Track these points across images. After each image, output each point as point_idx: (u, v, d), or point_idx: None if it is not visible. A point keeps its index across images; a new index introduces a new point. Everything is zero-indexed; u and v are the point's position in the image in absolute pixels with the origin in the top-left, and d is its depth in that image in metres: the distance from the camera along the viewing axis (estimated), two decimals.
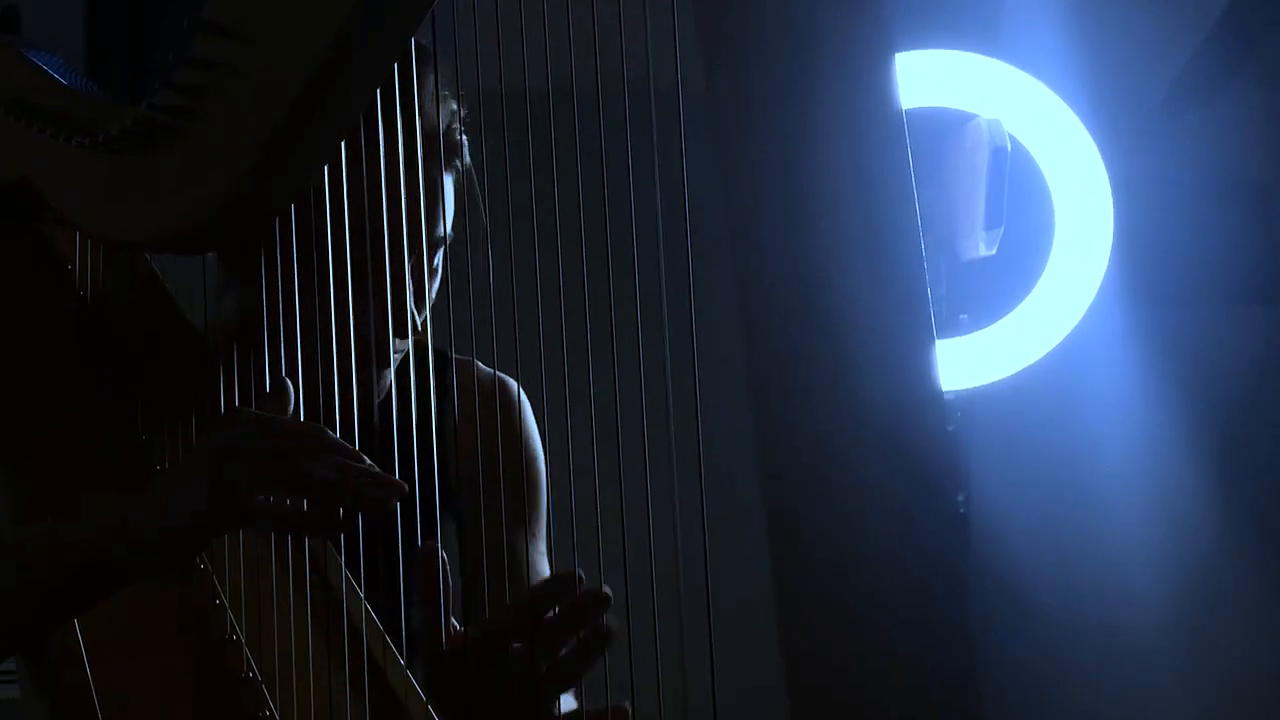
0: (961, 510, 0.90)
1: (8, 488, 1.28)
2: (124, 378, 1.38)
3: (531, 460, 1.48)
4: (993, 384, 2.48)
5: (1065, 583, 2.56)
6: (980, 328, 2.48)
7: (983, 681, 0.96)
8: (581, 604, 1.22)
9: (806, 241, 0.97)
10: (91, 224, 1.32)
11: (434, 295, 1.41)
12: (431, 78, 1.35)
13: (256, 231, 1.28)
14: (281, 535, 1.25)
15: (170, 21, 2.66)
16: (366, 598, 1.30)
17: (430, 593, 1.23)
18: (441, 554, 1.24)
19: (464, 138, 1.41)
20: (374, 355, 1.34)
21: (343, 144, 1.22)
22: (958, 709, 0.94)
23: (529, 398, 1.44)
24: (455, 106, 1.40)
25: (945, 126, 2.48)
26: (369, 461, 1.17)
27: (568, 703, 1.29)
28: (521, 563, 1.45)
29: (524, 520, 1.45)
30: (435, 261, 1.40)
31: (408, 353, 1.40)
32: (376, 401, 1.39)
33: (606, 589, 1.21)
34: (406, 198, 1.26)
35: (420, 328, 1.39)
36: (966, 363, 2.46)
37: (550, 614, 1.23)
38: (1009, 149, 2.40)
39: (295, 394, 1.24)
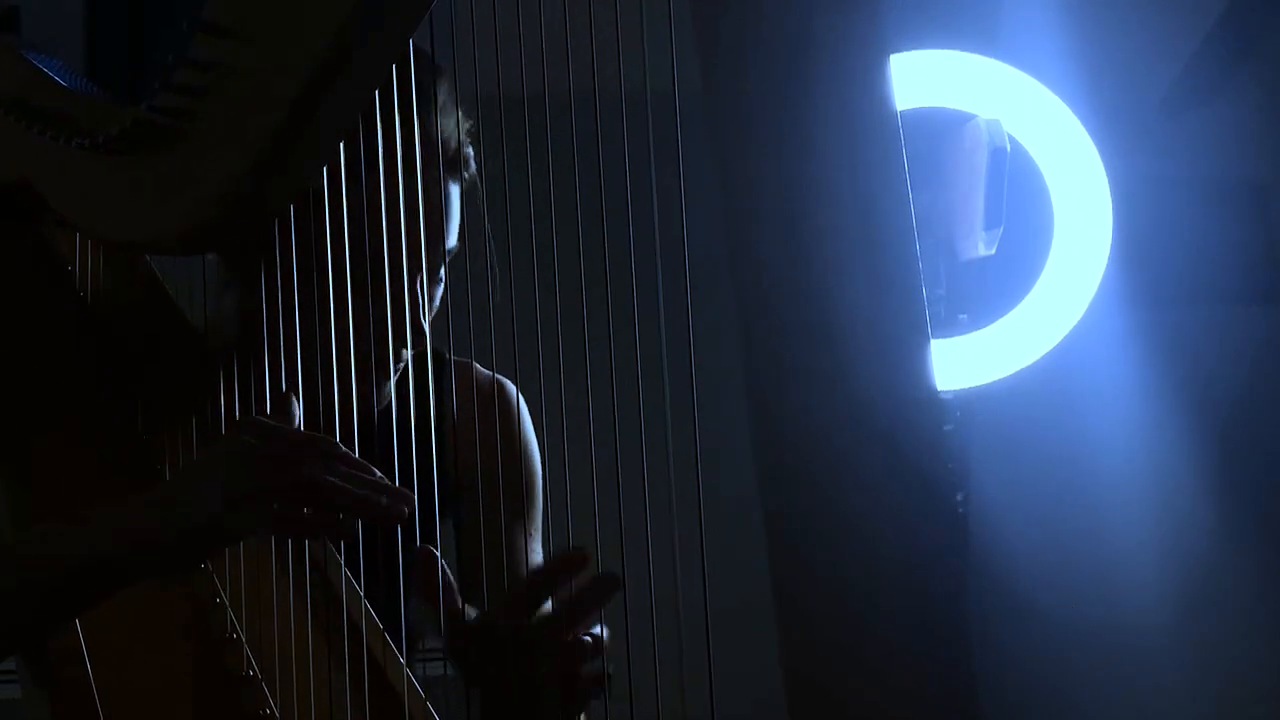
0: (960, 510, 0.91)
1: (8, 489, 1.29)
2: (124, 378, 1.38)
3: (529, 460, 1.49)
4: (992, 384, 2.48)
5: (1064, 583, 2.56)
6: (979, 327, 2.48)
7: (981, 681, 0.96)
8: (578, 595, 1.22)
9: (803, 244, 0.97)
10: (91, 225, 1.32)
11: (437, 303, 1.41)
12: (440, 88, 1.35)
13: (256, 232, 1.29)
14: (288, 540, 1.26)
15: (170, 22, 2.66)
16: (366, 597, 1.31)
17: (430, 593, 1.24)
18: (440, 559, 1.24)
19: (471, 149, 1.41)
20: (374, 367, 1.34)
21: (346, 151, 1.22)
22: (957, 709, 0.94)
23: (529, 402, 1.44)
24: (462, 118, 1.41)
25: (944, 127, 2.48)
26: (378, 473, 1.17)
27: None
28: (520, 562, 1.45)
29: (521, 519, 1.46)
30: (440, 271, 1.40)
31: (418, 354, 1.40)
32: (378, 409, 1.39)
33: (614, 574, 1.21)
34: (409, 208, 1.26)
35: (422, 337, 1.39)
36: (965, 363, 2.46)
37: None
38: (1008, 149, 2.40)
39: (299, 406, 1.24)
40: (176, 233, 1.26)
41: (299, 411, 1.23)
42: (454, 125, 1.38)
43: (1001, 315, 2.48)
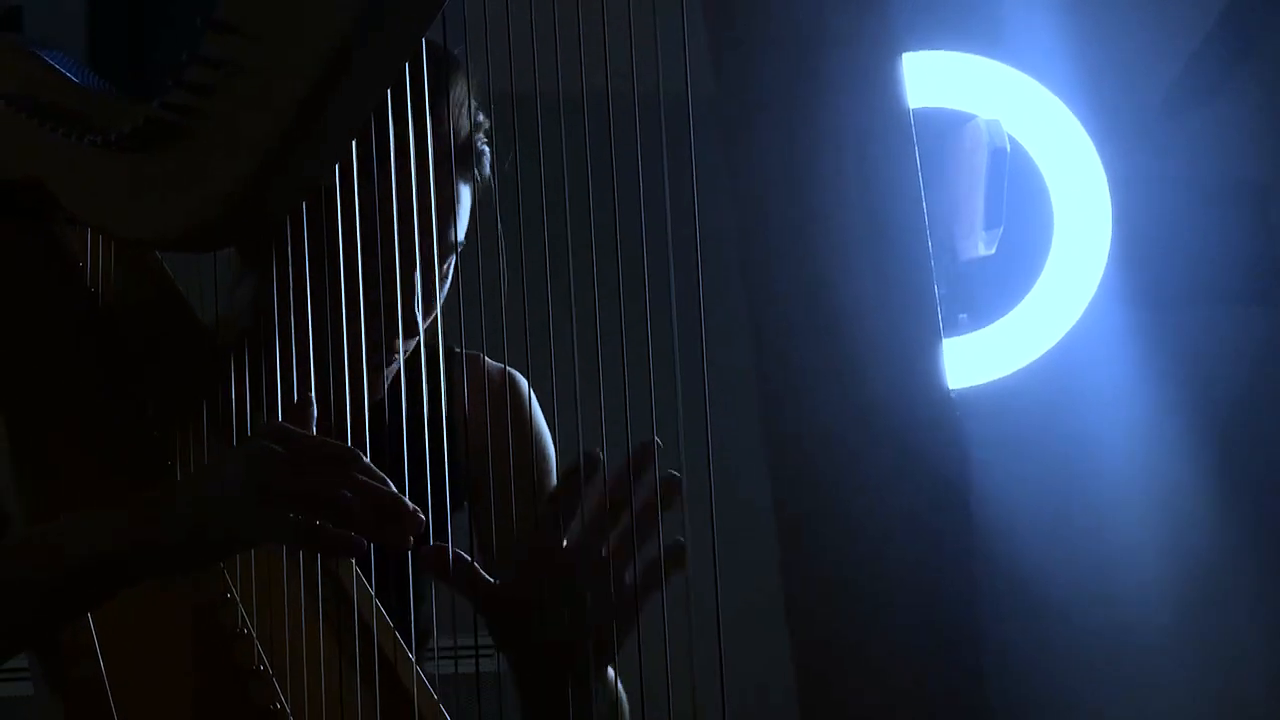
0: (970, 510, 0.91)
1: (22, 485, 1.29)
2: (134, 375, 1.38)
3: (541, 450, 1.50)
4: (991, 383, 2.49)
5: (1064, 582, 2.56)
6: (979, 327, 2.49)
7: (989, 679, 0.97)
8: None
9: (814, 242, 0.97)
10: (103, 222, 1.32)
11: (442, 299, 1.42)
12: (457, 85, 1.36)
13: (267, 229, 1.29)
14: (303, 551, 1.26)
15: (170, 22, 2.66)
16: (376, 592, 1.31)
17: (444, 573, 1.23)
18: (450, 548, 1.24)
19: (486, 149, 1.41)
20: (363, 355, 1.35)
21: (356, 144, 1.22)
22: (965, 707, 0.95)
23: (542, 399, 1.45)
24: (480, 116, 1.41)
25: (945, 127, 2.49)
26: (393, 486, 1.17)
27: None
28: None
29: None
30: (446, 267, 1.41)
31: (417, 349, 1.41)
32: (370, 402, 1.39)
33: (676, 474, 1.20)
34: (418, 201, 1.26)
35: (422, 329, 1.40)
36: (965, 362, 2.46)
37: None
38: (1008, 149, 2.41)
39: (315, 409, 1.24)
40: (187, 230, 1.25)
41: (315, 413, 1.23)
42: (465, 119, 1.38)
43: (1001, 315, 2.49)
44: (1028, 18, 2.56)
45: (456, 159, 1.35)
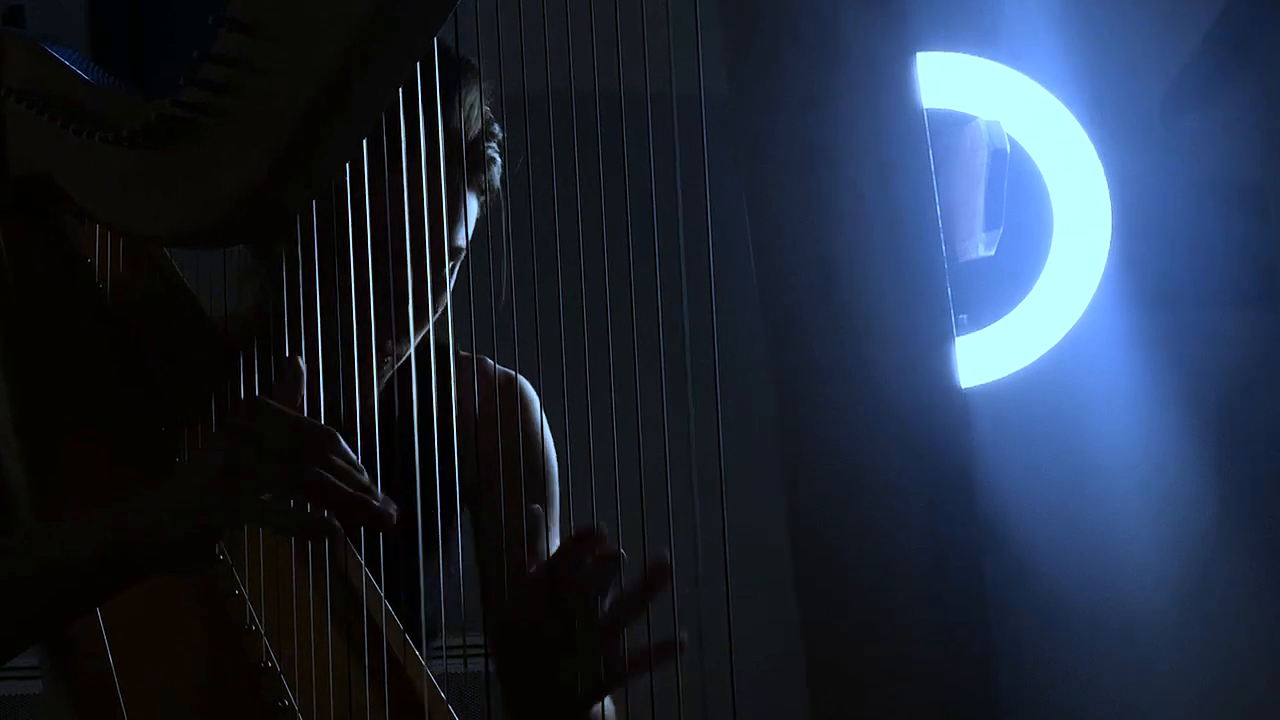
0: (977, 504, 0.93)
1: (30, 479, 1.29)
2: (143, 370, 1.38)
3: (540, 457, 1.50)
4: (991, 384, 2.49)
5: (1063, 581, 2.57)
6: (979, 328, 2.49)
7: (996, 668, 0.98)
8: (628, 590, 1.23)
9: (829, 241, 0.98)
10: (113, 218, 1.33)
11: (443, 304, 1.41)
12: (470, 89, 1.36)
13: (276, 227, 1.29)
14: (306, 546, 1.26)
15: (171, 20, 2.66)
16: (377, 586, 1.32)
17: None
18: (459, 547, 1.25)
19: (498, 157, 1.41)
20: (355, 353, 1.35)
21: (365, 144, 1.23)
22: (975, 691, 0.96)
23: (550, 396, 1.45)
24: (494, 126, 1.41)
25: (945, 128, 2.49)
26: (366, 476, 1.17)
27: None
28: (541, 551, 1.46)
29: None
30: (450, 269, 1.41)
31: (418, 349, 1.41)
32: (361, 405, 1.40)
33: (664, 560, 1.20)
34: (411, 201, 1.26)
35: (416, 334, 1.40)
36: (965, 363, 2.46)
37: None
38: (1008, 151, 2.42)
39: (304, 372, 1.24)
40: (198, 227, 1.26)
41: (304, 390, 1.23)
42: (474, 122, 1.39)
43: (1001, 316, 2.50)
44: (1028, 19, 2.56)
45: (464, 162, 1.35)
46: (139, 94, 1.35)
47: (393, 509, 1.17)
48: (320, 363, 1.28)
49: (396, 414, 1.36)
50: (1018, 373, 2.50)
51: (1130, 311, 2.56)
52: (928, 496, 0.96)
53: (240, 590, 1.31)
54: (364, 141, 1.23)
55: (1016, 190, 2.44)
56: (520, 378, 1.53)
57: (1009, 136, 2.43)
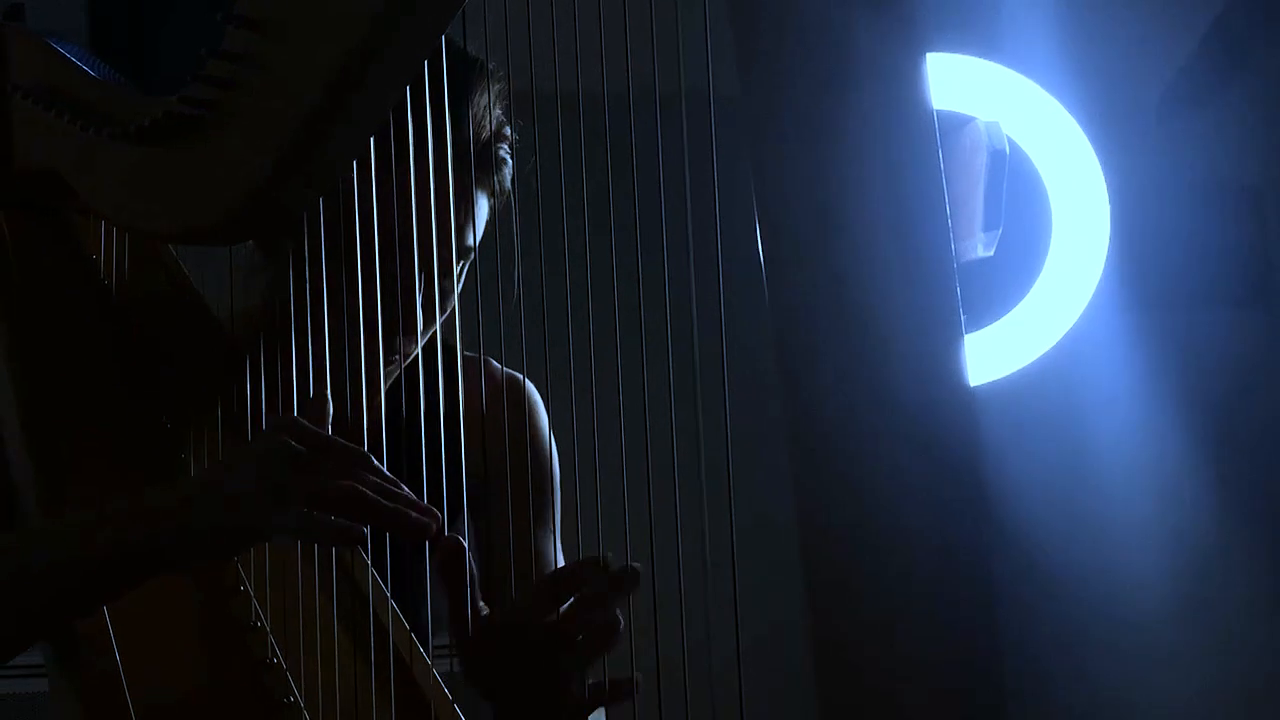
0: (987, 500, 0.93)
1: (36, 476, 1.29)
2: (148, 367, 1.39)
3: (542, 460, 1.51)
4: (990, 384, 2.50)
5: (1061, 580, 2.58)
6: (978, 328, 2.50)
7: (1006, 665, 0.98)
8: (598, 589, 1.23)
9: (838, 240, 0.98)
10: (118, 214, 1.32)
11: (451, 304, 1.42)
12: (481, 90, 1.36)
13: (284, 224, 1.29)
14: (313, 546, 1.26)
15: (170, 18, 2.66)
16: (383, 585, 1.32)
17: (452, 581, 1.24)
18: (465, 545, 1.25)
19: (508, 159, 1.42)
20: (363, 352, 1.35)
21: (375, 143, 1.23)
22: (985, 687, 0.96)
23: (557, 396, 1.45)
24: (506, 128, 1.41)
25: (944, 129, 2.49)
26: (406, 489, 1.18)
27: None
28: (540, 553, 1.46)
29: (539, 509, 1.47)
30: (459, 269, 1.41)
31: (429, 348, 1.41)
32: (368, 405, 1.39)
33: (636, 565, 1.21)
34: (422, 202, 1.27)
35: (423, 334, 1.40)
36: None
37: (572, 597, 1.24)
38: (1007, 151, 2.42)
39: (330, 406, 1.24)
40: (205, 224, 1.26)
41: (330, 410, 1.23)
42: (486, 122, 1.39)
43: (1000, 316, 2.51)
44: (1027, 21, 2.57)
45: (475, 163, 1.35)
46: (141, 90, 1.35)
47: (433, 520, 1.17)
48: (327, 360, 1.28)
49: (404, 414, 1.36)
50: (1016, 373, 2.50)
51: (1128, 312, 2.57)
52: (937, 494, 0.96)
53: (245, 586, 1.31)
54: (373, 140, 1.23)
55: (1015, 191, 2.44)
56: (525, 379, 1.54)
57: (1008, 137, 2.43)
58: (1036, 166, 2.52)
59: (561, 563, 1.46)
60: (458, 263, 1.41)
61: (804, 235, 0.98)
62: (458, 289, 1.41)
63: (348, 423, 1.27)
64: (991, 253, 2.44)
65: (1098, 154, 2.52)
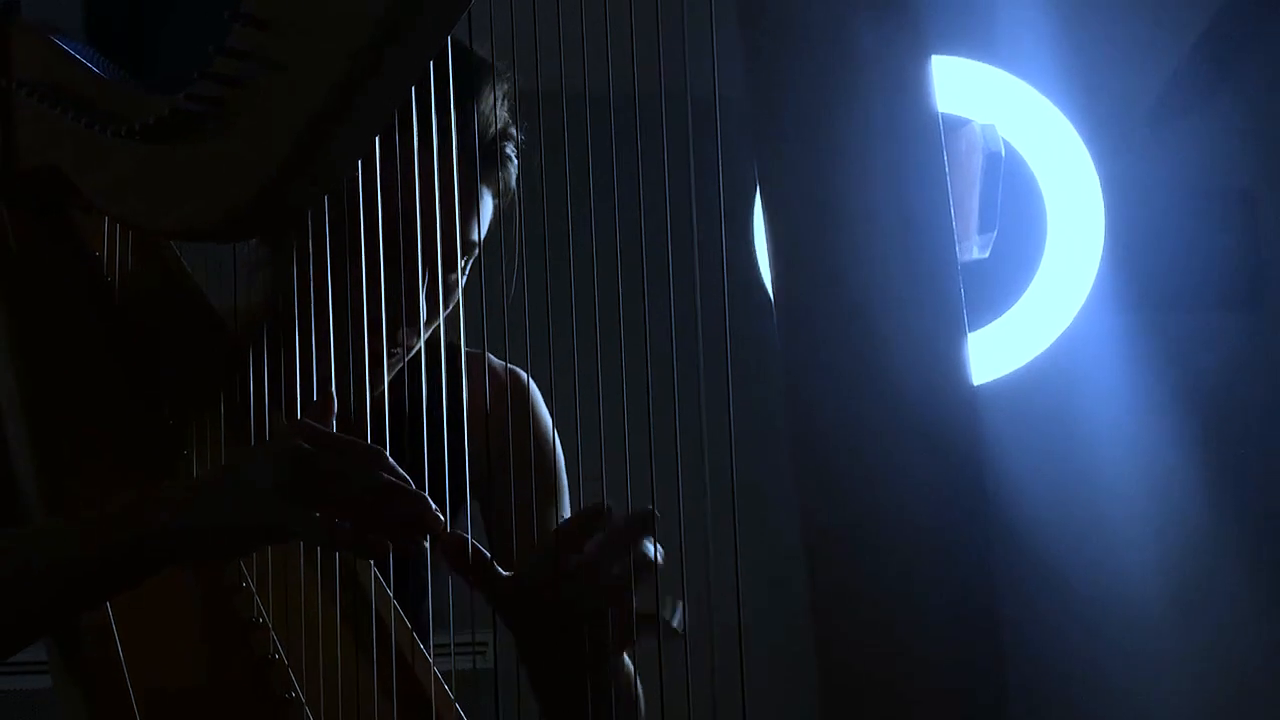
0: (989, 501, 0.93)
1: (39, 473, 1.29)
2: (150, 364, 1.39)
3: (548, 447, 1.51)
4: (984, 385, 2.51)
5: (1055, 579, 2.59)
6: (973, 330, 2.50)
7: (1009, 666, 0.98)
8: (621, 529, 1.23)
9: (843, 244, 0.99)
10: (122, 212, 1.32)
11: (455, 299, 1.42)
12: (487, 89, 1.36)
13: (286, 223, 1.30)
14: (323, 550, 1.27)
15: (167, 14, 2.66)
16: (385, 583, 1.32)
17: (463, 571, 1.24)
18: (469, 539, 1.25)
19: (515, 157, 1.42)
20: (374, 354, 1.35)
21: (380, 138, 1.23)
22: (989, 687, 0.96)
23: (560, 391, 1.46)
24: (511, 128, 1.42)
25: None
26: (414, 485, 1.17)
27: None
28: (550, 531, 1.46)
29: (548, 494, 1.48)
30: (464, 264, 1.42)
31: (431, 343, 1.42)
32: (377, 392, 1.40)
33: (652, 509, 1.21)
34: (425, 195, 1.27)
35: (426, 328, 1.41)
36: None
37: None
38: (1003, 154, 2.43)
39: (336, 404, 1.25)
40: (207, 222, 1.26)
41: (335, 408, 1.23)
42: (493, 123, 1.39)
43: (995, 318, 2.51)
44: (1023, 25, 2.58)
45: (481, 160, 1.35)
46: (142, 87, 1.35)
47: (440, 520, 1.18)
48: (331, 354, 1.28)
49: (407, 408, 1.37)
50: (1011, 374, 2.51)
51: (1122, 314, 2.58)
52: (941, 493, 0.96)
53: (247, 583, 1.32)
54: (378, 136, 1.23)
55: (1011, 193, 2.45)
56: (520, 371, 1.55)
57: (1004, 140, 2.44)
58: (1032, 169, 2.53)
59: None
60: (462, 257, 1.41)
61: (808, 235, 0.98)
62: (462, 282, 1.42)
63: (352, 414, 1.27)
64: (987, 255, 2.44)
65: (1092, 157, 2.53)
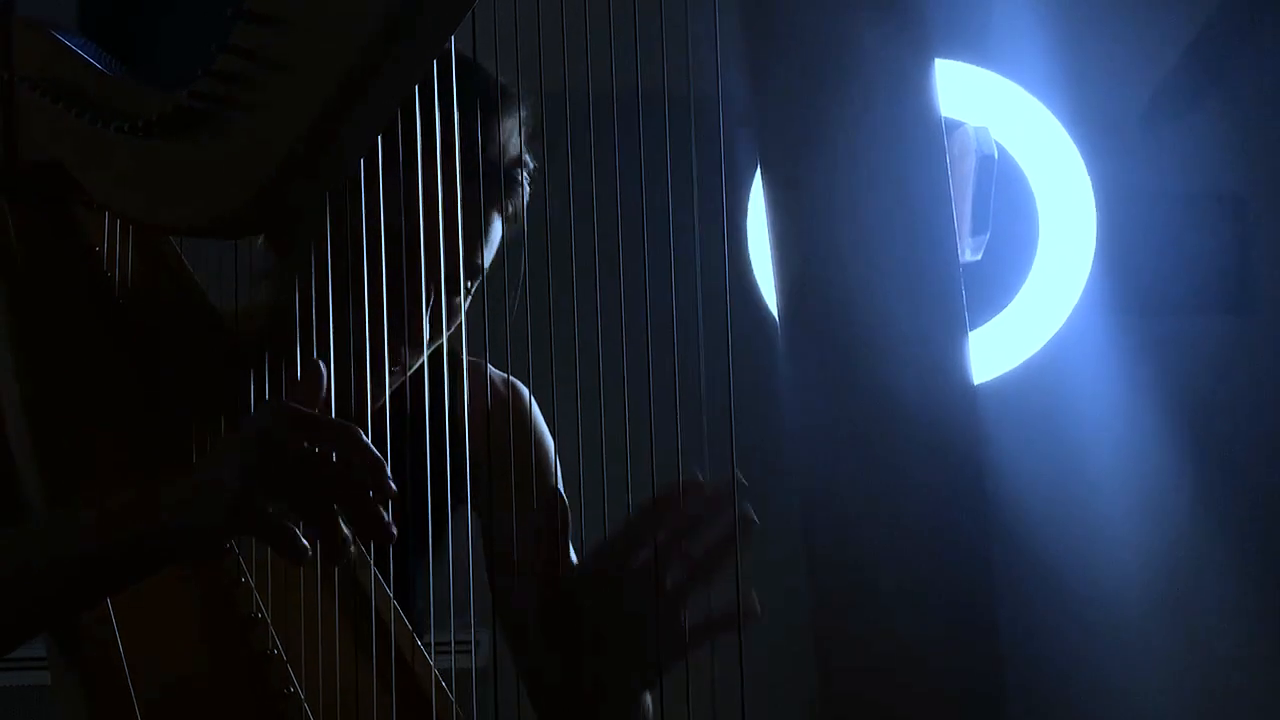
0: (989, 500, 0.94)
1: (40, 468, 1.29)
2: (150, 361, 1.39)
3: (543, 453, 1.52)
4: (976, 387, 2.51)
5: (1048, 578, 2.60)
6: None
7: (1006, 662, 0.99)
8: (712, 499, 1.22)
9: (846, 243, 0.99)
10: (124, 207, 1.32)
11: (457, 321, 1.42)
12: (506, 115, 1.37)
13: (289, 219, 1.30)
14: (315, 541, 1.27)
15: (164, 11, 2.66)
16: (383, 580, 1.33)
17: (549, 528, 1.24)
18: (560, 494, 1.24)
19: (527, 186, 1.42)
20: (379, 365, 1.36)
21: (385, 153, 1.23)
22: (985, 685, 0.97)
23: (560, 398, 1.46)
24: (526, 155, 1.42)
25: None
26: (389, 475, 1.17)
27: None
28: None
29: (542, 491, 1.48)
30: (470, 287, 1.42)
31: (430, 354, 1.43)
32: (377, 405, 1.40)
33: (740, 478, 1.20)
34: (434, 218, 1.27)
35: (432, 344, 1.41)
36: None
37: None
38: (996, 156, 2.44)
39: (325, 375, 1.25)
40: (209, 218, 1.26)
41: (326, 378, 1.23)
42: (508, 147, 1.39)
43: (986, 320, 2.52)
44: (1016, 27, 2.59)
45: (493, 185, 1.36)
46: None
47: (388, 531, 1.17)
48: (332, 361, 1.29)
49: (408, 413, 1.37)
50: (1002, 376, 2.52)
51: (1113, 316, 2.59)
52: (942, 494, 0.97)
53: (247, 578, 1.32)
54: (395, 154, 1.23)
55: (1003, 196, 2.46)
56: (517, 382, 1.55)
57: (997, 143, 2.45)
58: (1024, 172, 2.54)
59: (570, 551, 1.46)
60: (468, 281, 1.41)
61: (811, 238, 0.99)
62: (465, 305, 1.42)
63: (351, 418, 1.27)
64: (979, 257, 2.45)
65: (1084, 160, 2.54)
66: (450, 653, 1.33)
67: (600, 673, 1.25)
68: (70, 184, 1.35)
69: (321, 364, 1.24)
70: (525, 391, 1.54)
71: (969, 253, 2.45)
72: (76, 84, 1.34)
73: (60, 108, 1.32)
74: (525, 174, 1.42)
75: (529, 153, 1.42)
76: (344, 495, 1.16)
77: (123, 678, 1.22)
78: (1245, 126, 2.74)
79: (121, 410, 1.36)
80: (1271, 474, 2.67)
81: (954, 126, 2.50)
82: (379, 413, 1.35)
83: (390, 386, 1.42)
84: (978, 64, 2.54)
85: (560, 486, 1.50)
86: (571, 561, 1.27)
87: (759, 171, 1.02)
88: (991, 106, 2.52)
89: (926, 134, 1.00)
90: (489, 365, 1.54)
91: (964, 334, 0.99)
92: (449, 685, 1.30)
